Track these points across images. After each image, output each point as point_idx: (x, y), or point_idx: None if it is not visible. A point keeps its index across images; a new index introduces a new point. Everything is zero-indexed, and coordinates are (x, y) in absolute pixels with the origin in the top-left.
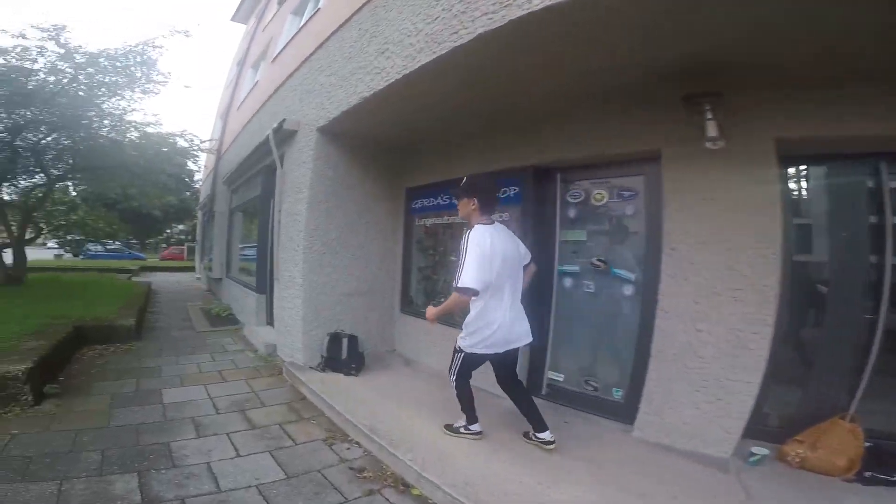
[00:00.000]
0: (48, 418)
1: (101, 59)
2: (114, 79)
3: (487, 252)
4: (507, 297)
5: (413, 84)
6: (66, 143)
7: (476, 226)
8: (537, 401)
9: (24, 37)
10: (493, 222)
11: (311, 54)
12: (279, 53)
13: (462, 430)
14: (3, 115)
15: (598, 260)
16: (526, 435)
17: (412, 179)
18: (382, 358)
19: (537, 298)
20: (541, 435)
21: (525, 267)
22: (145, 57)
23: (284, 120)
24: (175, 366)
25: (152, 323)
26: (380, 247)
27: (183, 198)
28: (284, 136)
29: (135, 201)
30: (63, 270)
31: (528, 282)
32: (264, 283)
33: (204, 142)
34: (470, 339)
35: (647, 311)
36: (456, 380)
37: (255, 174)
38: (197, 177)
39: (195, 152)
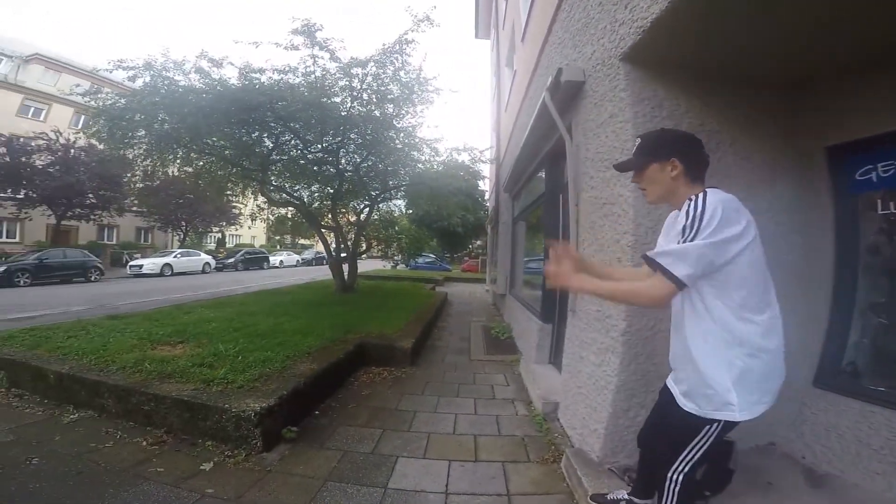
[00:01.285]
0: (255, 477)
1: (371, 66)
2: (394, 93)
3: (738, 232)
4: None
5: None
6: (380, 167)
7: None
8: None
9: (294, 47)
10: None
11: None
12: (526, 26)
13: None
14: (330, 139)
15: None
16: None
17: (844, 128)
18: (754, 463)
19: None
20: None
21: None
22: (405, 59)
23: (561, 70)
24: (431, 414)
25: (434, 340)
26: (776, 259)
27: (478, 215)
28: (566, 94)
29: (444, 220)
30: (387, 279)
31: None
32: (551, 308)
33: (483, 150)
34: (744, 394)
35: None
36: (686, 474)
37: (534, 169)
38: (487, 195)
39: (478, 164)
